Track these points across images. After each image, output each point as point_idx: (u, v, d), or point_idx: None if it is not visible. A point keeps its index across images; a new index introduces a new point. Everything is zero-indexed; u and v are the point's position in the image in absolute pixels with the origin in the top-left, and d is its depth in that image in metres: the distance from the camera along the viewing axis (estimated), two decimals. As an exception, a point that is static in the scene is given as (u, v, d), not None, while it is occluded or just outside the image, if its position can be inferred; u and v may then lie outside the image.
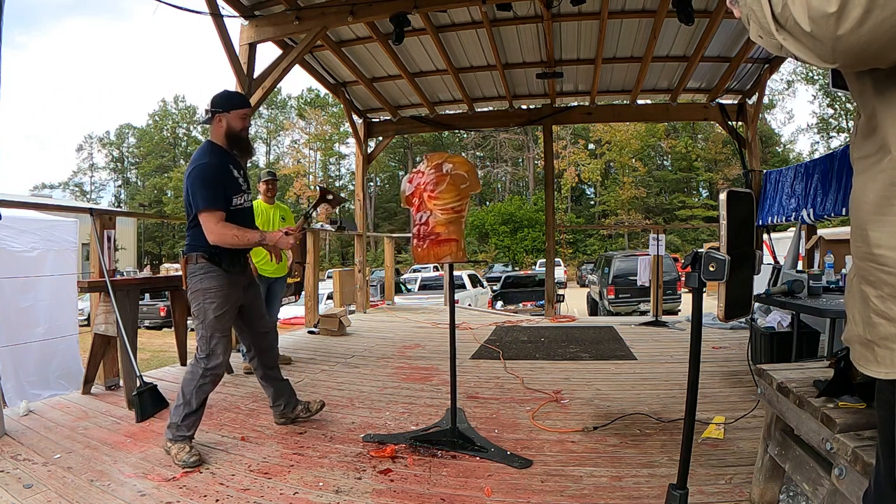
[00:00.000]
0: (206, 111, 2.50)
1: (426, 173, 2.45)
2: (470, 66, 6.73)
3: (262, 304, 2.78)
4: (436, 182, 2.41)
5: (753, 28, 0.85)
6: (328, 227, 7.48)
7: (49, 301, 4.65)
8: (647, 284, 6.78)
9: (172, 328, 4.34)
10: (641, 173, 35.04)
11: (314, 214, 2.48)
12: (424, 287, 13.35)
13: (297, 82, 77.23)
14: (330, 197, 2.78)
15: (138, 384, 3.02)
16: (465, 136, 37.06)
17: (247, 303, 2.59)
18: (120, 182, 45.63)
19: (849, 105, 28.02)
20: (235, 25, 5.27)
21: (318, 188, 2.58)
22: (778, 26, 0.78)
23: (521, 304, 12.18)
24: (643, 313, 10.51)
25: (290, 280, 4.80)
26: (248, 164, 3.00)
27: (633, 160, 35.20)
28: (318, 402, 2.83)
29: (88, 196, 43.83)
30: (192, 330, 4.64)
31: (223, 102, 2.48)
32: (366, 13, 4.81)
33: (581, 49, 6.32)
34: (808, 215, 4.93)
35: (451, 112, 8.10)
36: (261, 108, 22.09)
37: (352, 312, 7.34)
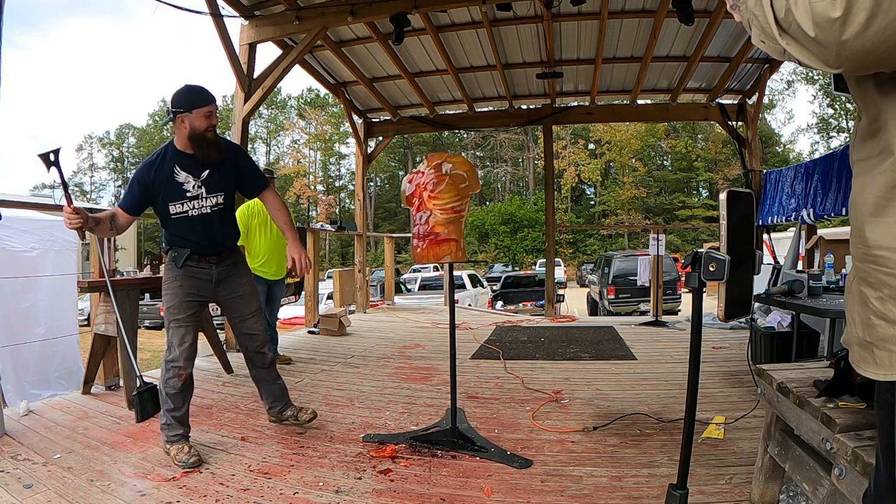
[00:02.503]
0: (168, 112, 2.34)
1: (426, 173, 2.45)
2: (470, 66, 6.73)
3: (247, 305, 2.59)
4: (435, 182, 2.40)
5: (755, 32, 0.85)
6: (328, 227, 7.49)
7: (49, 301, 4.65)
8: (647, 284, 6.78)
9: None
10: (641, 173, 35.03)
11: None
12: (424, 287, 13.35)
13: (297, 82, 77.18)
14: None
15: (138, 384, 3.01)
16: (465, 136, 37.04)
17: (220, 300, 2.54)
18: (120, 182, 45.58)
19: (849, 105, 28.03)
20: (235, 25, 5.27)
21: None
22: (781, 31, 0.78)
23: (521, 304, 12.19)
24: (643, 313, 10.50)
25: (289, 280, 4.81)
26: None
27: (633, 160, 35.20)
28: (309, 413, 2.71)
29: (88, 196, 43.82)
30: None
31: (184, 100, 2.30)
32: (366, 13, 4.81)
33: (581, 49, 6.32)
34: (808, 215, 4.94)
35: (451, 112, 8.10)
36: (261, 108, 22.09)
37: (352, 312, 7.34)
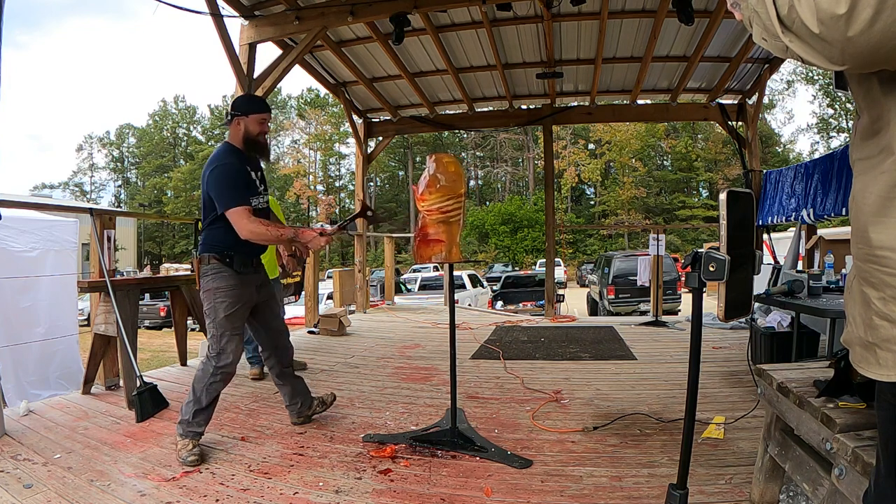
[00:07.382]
0: (227, 113, 2.53)
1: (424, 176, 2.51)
2: (470, 66, 6.73)
3: (277, 304, 2.79)
4: (423, 184, 2.45)
5: (757, 30, 0.84)
6: (328, 227, 7.47)
7: (49, 301, 4.64)
8: (647, 284, 6.78)
9: (172, 328, 4.33)
10: (641, 173, 35.00)
11: (349, 226, 2.55)
12: (424, 287, 13.34)
13: (297, 82, 77.33)
14: (369, 213, 2.74)
15: (138, 384, 3.02)
16: (465, 136, 37.03)
17: (260, 302, 2.60)
18: (120, 182, 45.61)
19: (849, 105, 28.00)
20: (235, 25, 5.27)
21: (360, 202, 2.49)
22: (784, 28, 0.77)
23: (521, 304, 12.18)
24: (643, 313, 10.50)
25: (289, 280, 4.79)
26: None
27: (633, 160, 35.16)
28: (329, 395, 2.92)
29: (88, 196, 43.82)
30: (193, 329, 4.63)
31: (242, 106, 2.52)
32: (366, 13, 4.81)
33: (581, 49, 6.32)
34: (808, 215, 4.94)
35: (451, 112, 8.10)
36: (261, 108, 21.96)
37: (352, 312, 7.34)
